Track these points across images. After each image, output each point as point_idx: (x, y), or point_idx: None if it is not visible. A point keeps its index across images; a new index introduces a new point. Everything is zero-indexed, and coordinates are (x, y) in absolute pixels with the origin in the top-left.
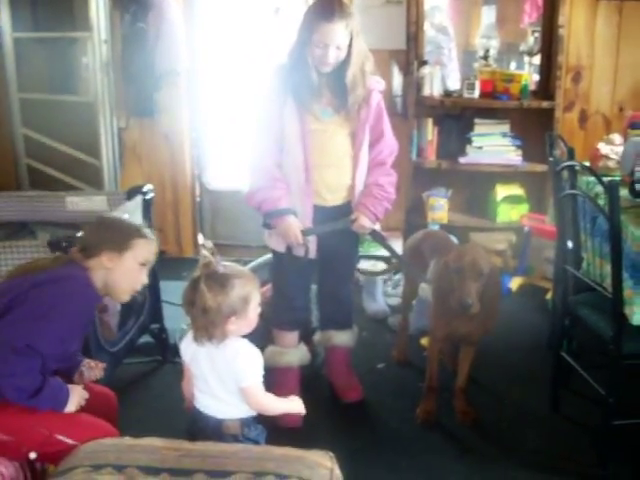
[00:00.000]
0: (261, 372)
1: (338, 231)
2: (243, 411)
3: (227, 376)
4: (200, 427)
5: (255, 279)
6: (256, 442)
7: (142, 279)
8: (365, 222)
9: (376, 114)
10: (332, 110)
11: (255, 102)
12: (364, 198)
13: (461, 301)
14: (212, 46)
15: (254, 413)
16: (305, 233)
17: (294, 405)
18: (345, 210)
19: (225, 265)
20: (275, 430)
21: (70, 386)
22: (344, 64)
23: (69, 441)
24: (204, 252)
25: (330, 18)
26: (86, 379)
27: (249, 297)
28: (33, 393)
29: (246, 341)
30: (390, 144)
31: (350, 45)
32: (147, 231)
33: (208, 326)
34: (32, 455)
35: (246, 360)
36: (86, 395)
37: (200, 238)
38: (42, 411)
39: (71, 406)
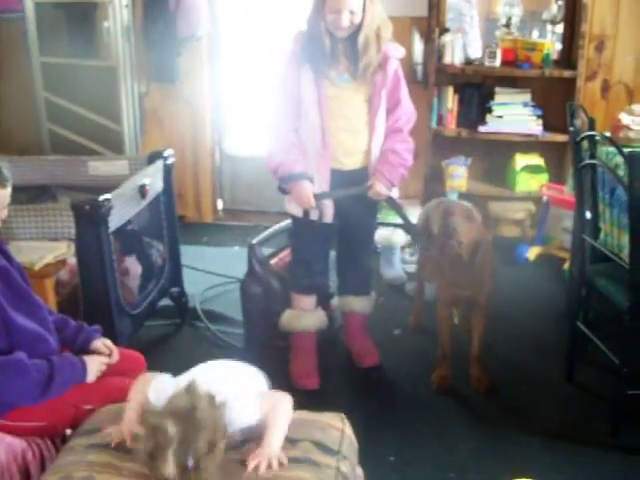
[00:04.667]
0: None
1: (353, 197)
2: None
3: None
4: None
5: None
6: None
7: None
8: (381, 189)
9: (393, 81)
10: (348, 76)
11: (273, 68)
12: (380, 165)
13: (447, 230)
14: (233, 11)
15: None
16: (318, 197)
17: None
18: (362, 175)
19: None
20: (292, 392)
21: (85, 357)
22: (358, 28)
23: (95, 407)
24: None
25: None
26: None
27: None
28: (44, 384)
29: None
30: (407, 111)
31: (364, 9)
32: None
33: None
34: (68, 431)
35: (238, 416)
36: (104, 360)
37: (219, 203)
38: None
39: (91, 376)
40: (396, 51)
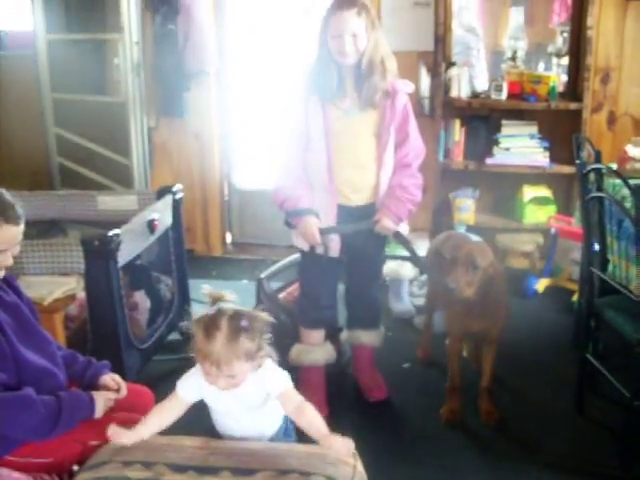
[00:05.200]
0: (288, 377)
1: (360, 232)
2: (270, 431)
3: (256, 399)
4: None
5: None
6: None
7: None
8: (388, 224)
9: (402, 115)
10: (357, 109)
11: (282, 102)
12: (387, 200)
13: (446, 284)
14: (241, 47)
15: (279, 427)
16: (324, 232)
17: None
18: (369, 210)
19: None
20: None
21: (93, 393)
22: (362, 56)
23: (102, 443)
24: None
25: (341, 6)
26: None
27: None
28: (52, 421)
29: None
30: (416, 147)
31: (367, 35)
32: (14, 215)
33: (234, 376)
34: (75, 468)
35: (272, 372)
36: (112, 396)
37: (228, 237)
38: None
39: (99, 412)
40: (405, 86)
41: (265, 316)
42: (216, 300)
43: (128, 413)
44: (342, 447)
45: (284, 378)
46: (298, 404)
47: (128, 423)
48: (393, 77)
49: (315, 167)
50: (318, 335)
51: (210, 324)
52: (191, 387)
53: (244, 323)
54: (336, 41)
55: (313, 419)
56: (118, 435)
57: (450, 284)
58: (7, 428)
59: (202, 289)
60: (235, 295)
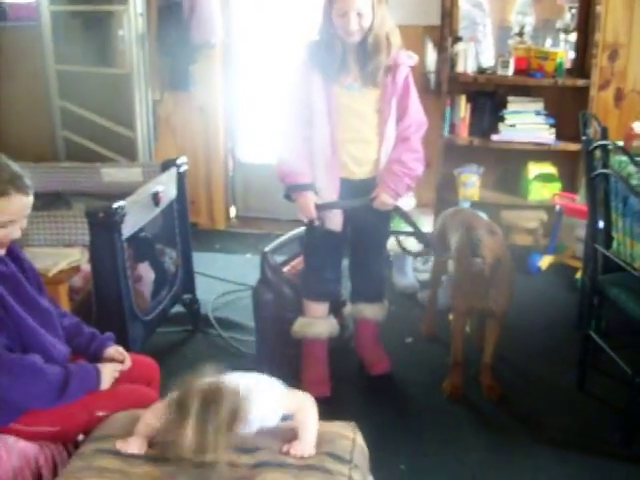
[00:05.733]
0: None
1: (359, 207)
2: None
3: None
4: None
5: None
6: None
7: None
8: (386, 199)
9: (403, 88)
10: (359, 85)
11: (285, 76)
12: (385, 175)
13: (472, 246)
14: (247, 19)
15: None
16: (321, 207)
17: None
18: (372, 184)
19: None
20: None
21: (99, 365)
22: (368, 32)
23: (108, 414)
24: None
25: None
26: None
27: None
28: (59, 390)
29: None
30: (416, 119)
31: (373, 12)
32: (23, 184)
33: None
34: (80, 437)
35: (271, 409)
36: (118, 367)
37: (232, 211)
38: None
39: (105, 384)
40: (408, 58)
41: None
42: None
43: (132, 384)
44: (301, 449)
45: (280, 405)
46: (299, 408)
47: (133, 394)
48: (396, 50)
49: (318, 142)
50: (322, 308)
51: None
52: None
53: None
54: (341, 19)
55: (308, 422)
56: (127, 445)
57: (474, 245)
58: (12, 394)
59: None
60: None
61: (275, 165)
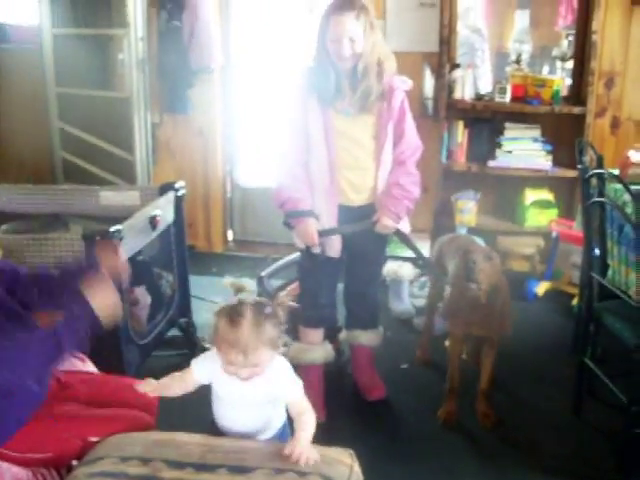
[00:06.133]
0: (301, 385)
1: (359, 233)
2: (271, 431)
3: (263, 398)
4: None
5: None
6: None
7: None
8: (387, 222)
9: (399, 113)
10: (355, 111)
11: (283, 102)
12: (385, 199)
13: (468, 272)
14: (246, 44)
15: (277, 431)
16: (323, 234)
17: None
18: (369, 210)
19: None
20: None
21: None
22: (358, 58)
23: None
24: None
25: (339, 10)
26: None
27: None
28: (57, 350)
29: (278, 357)
30: (412, 143)
31: (365, 37)
32: None
33: (258, 364)
34: (74, 462)
35: (286, 379)
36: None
37: (229, 234)
38: (72, 418)
39: (104, 300)
40: (403, 83)
41: (286, 302)
42: (239, 290)
43: (130, 410)
44: (302, 453)
45: (296, 387)
46: (302, 411)
47: (128, 420)
48: (390, 76)
49: (316, 168)
50: (317, 334)
51: (234, 313)
52: (205, 369)
53: (268, 310)
54: (334, 45)
55: (306, 425)
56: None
57: (470, 270)
58: (14, 369)
59: (224, 280)
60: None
61: (274, 190)
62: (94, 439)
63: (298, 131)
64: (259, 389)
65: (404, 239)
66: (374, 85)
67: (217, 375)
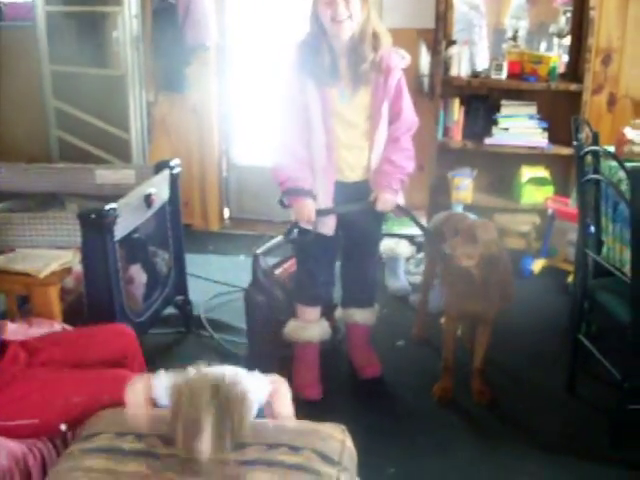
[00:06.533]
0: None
1: (356, 212)
2: None
3: None
4: None
5: None
6: None
7: None
8: (387, 197)
9: (395, 91)
10: (350, 92)
11: (278, 80)
12: (378, 176)
13: (443, 249)
14: (242, 21)
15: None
16: (321, 213)
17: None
18: (364, 187)
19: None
20: (294, 403)
21: None
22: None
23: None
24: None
25: None
26: None
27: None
28: None
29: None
30: (408, 121)
31: (361, 6)
32: None
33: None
34: (63, 427)
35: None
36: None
37: (225, 212)
38: (52, 381)
39: None
40: (400, 60)
41: None
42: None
43: (113, 369)
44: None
45: (262, 384)
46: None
47: (107, 377)
48: (387, 50)
49: (314, 146)
50: (314, 312)
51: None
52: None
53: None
54: (328, 8)
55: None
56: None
57: (446, 249)
58: None
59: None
60: None
61: (271, 168)
62: (76, 399)
63: (297, 109)
64: None
65: (405, 213)
66: (368, 51)
67: None
